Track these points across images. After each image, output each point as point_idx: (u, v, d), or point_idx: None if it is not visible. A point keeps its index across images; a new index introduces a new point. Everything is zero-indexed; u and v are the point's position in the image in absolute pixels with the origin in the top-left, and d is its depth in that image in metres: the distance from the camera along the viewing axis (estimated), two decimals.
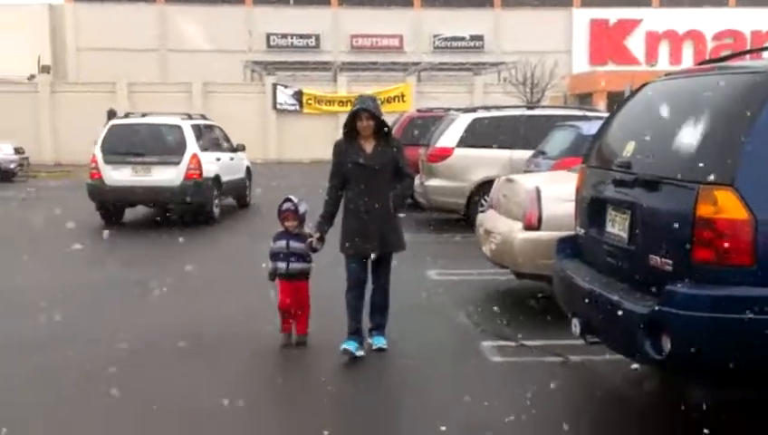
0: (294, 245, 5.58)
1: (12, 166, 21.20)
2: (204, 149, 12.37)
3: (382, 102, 30.97)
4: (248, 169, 14.78)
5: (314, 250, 5.50)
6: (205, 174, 11.97)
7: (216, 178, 12.44)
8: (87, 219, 11.90)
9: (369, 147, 5.31)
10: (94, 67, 33.77)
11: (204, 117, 14.27)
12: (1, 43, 35.16)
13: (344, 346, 5.26)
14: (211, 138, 13.34)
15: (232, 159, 13.74)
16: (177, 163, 11.75)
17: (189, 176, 11.75)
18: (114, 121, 12.88)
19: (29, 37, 35.70)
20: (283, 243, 5.60)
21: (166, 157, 11.80)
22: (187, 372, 5.16)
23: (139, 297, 7.24)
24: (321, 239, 5.43)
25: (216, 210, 12.44)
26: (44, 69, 32.80)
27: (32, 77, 32.30)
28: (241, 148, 14.43)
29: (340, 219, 5.42)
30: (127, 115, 13.29)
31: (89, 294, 7.42)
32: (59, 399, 4.68)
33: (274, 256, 5.63)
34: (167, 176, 11.72)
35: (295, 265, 5.57)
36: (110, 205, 12.13)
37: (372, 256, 5.34)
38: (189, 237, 10.70)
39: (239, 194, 14.26)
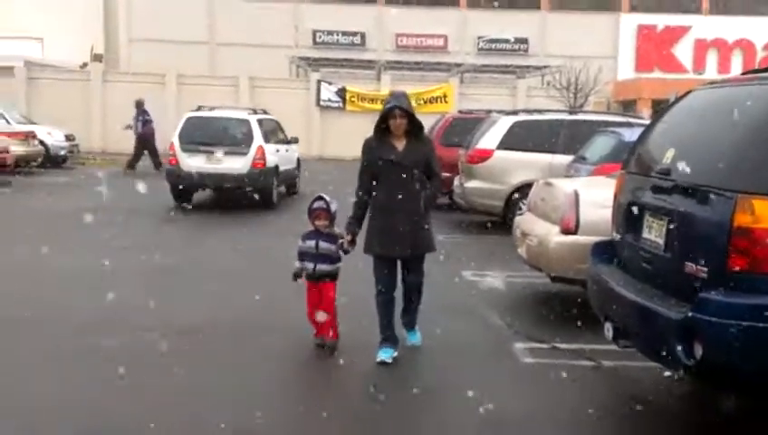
0: (324, 245, 5.40)
1: (62, 152, 21.58)
2: (266, 141, 13.71)
3: (424, 102, 31.36)
4: (298, 160, 16.26)
5: (346, 252, 5.36)
6: (267, 163, 13.33)
7: (276, 168, 13.83)
8: (154, 202, 13.09)
9: (400, 145, 5.18)
10: (145, 58, 34.38)
11: (265, 112, 15.59)
12: (56, 32, 36.08)
13: (379, 357, 5.18)
14: (271, 131, 14.66)
15: (287, 150, 15.11)
16: (245, 153, 13.12)
17: (255, 165, 13.11)
18: (190, 114, 14.14)
19: (83, 26, 36.54)
20: (312, 243, 5.41)
21: (235, 147, 13.20)
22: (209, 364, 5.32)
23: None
24: (353, 242, 5.28)
25: (275, 196, 13.90)
26: (97, 58, 33.48)
27: (84, 65, 33.03)
28: (294, 140, 15.76)
29: (367, 219, 5.36)
30: (199, 108, 14.59)
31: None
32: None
33: (302, 255, 5.46)
34: (236, 164, 13.06)
35: (323, 267, 5.39)
36: (184, 188, 13.32)
37: (400, 257, 5.24)
38: (254, 219, 12.45)
39: (290, 183, 15.71)
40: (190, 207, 12.91)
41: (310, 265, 5.39)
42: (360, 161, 5.32)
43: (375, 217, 5.22)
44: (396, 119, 5.10)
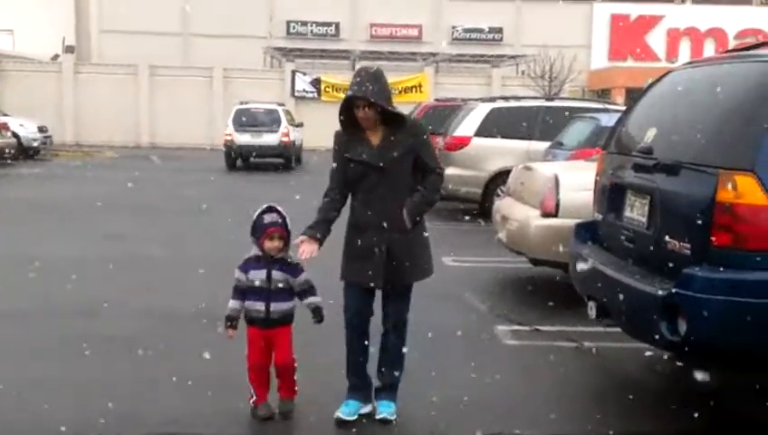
0: (279, 275, 3.90)
1: (35, 144, 21.45)
2: (289, 123, 20.50)
3: (399, 92, 31.32)
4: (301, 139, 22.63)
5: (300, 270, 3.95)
6: (291, 139, 20.17)
7: (293, 142, 20.55)
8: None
9: (375, 139, 3.90)
10: (117, 49, 33.90)
11: (283, 105, 22.78)
12: (27, 23, 35.47)
13: (338, 414, 3.93)
14: (289, 117, 21.42)
15: (296, 131, 21.56)
16: (276, 132, 19.95)
17: (283, 141, 19.93)
18: (238, 106, 20.97)
19: (54, 18, 35.94)
20: (261, 274, 3.88)
21: (270, 127, 20.01)
22: None
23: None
24: (317, 241, 3.83)
25: (293, 161, 20.97)
26: (68, 49, 32.98)
27: (56, 57, 32.54)
28: (300, 124, 22.60)
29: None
30: (242, 103, 21.42)
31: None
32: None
33: (243, 293, 3.92)
34: (270, 139, 19.88)
35: (279, 307, 3.90)
36: (235, 156, 20.17)
37: (376, 287, 3.95)
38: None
39: (298, 154, 21.97)
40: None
41: (260, 306, 3.89)
42: (333, 161, 4.07)
43: (348, 235, 3.97)
44: (360, 110, 3.82)
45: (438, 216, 11.75)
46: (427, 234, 4.07)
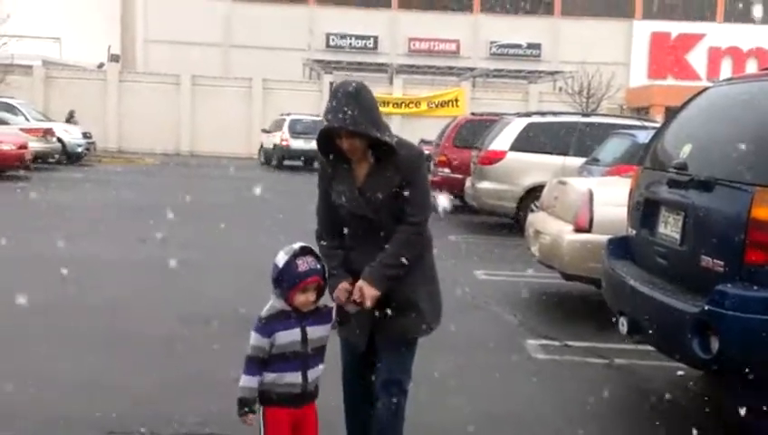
0: (317, 332, 2.93)
1: (79, 149, 22.03)
2: None
3: (436, 106, 31.45)
4: None
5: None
6: None
7: None
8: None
9: (361, 172, 3.09)
10: (160, 59, 34.70)
11: (318, 116, 23.16)
12: (74, 32, 36.45)
13: None
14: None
15: None
16: None
17: None
18: (293, 117, 24.88)
19: (100, 27, 36.93)
20: (295, 334, 2.87)
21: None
22: None
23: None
24: (356, 303, 3.00)
25: None
26: (113, 58, 33.86)
27: (101, 65, 33.37)
28: None
29: None
30: (289, 114, 25.32)
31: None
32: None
33: (263, 364, 2.85)
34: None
35: (315, 373, 2.94)
36: (287, 157, 24.74)
37: (363, 344, 3.15)
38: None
39: None
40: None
41: (293, 377, 2.87)
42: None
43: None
44: (342, 139, 3.01)
45: (471, 228, 11.79)
46: (433, 272, 3.23)
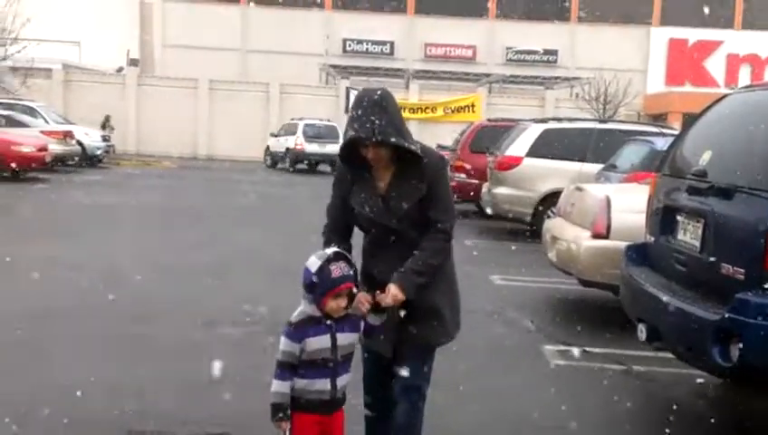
0: (347, 339, 2.90)
1: (98, 152, 22.31)
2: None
3: (452, 111, 31.44)
4: None
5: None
6: None
7: None
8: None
9: (384, 180, 3.07)
10: (178, 63, 34.96)
11: (330, 121, 26.92)
12: (93, 36, 36.85)
13: None
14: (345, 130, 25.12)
15: None
16: (337, 142, 21.74)
17: None
18: (306, 122, 25.94)
19: (119, 31, 37.34)
20: (325, 340, 2.83)
21: (331, 139, 24.33)
22: None
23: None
24: (379, 309, 2.97)
25: None
26: (132, 62, 34.24)
27: (120, 69, 33.72)
28: None
29: None
30: (301, 118, 26.39)
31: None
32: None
33: (293, 369, 2.82)
34: (332, 149, 22.73)
35: (344, 380, 2.92)
36: (300, 160, 25.66)
37: (384, 353, 3.12)
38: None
39: None
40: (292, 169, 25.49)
41: (322, 385, 2.85)
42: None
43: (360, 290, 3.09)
44: (367, 149, 2.98)
45: (486, 234, 11.78)
46: (454, 279, 3.25)
